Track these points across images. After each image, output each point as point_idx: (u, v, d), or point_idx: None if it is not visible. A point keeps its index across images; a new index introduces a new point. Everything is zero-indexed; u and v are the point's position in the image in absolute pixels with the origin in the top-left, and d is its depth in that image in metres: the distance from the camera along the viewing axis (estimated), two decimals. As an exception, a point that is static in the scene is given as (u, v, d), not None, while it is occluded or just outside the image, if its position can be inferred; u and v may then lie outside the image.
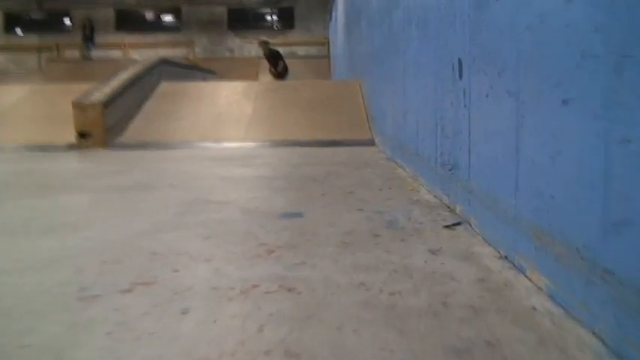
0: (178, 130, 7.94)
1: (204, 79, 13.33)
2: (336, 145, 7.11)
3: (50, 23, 26.88)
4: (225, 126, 8.09)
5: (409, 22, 4.74)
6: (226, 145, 7.29)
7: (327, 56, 23.57)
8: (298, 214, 3.06)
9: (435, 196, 3.52)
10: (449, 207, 3.20)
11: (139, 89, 8.74)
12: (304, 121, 8.19)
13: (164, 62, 10.05)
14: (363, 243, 2.46)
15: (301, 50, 26.70)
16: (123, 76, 8.57)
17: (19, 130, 7.87)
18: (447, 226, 2.78)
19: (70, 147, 7.11)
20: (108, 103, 7.45)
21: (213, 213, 3.12)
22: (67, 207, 3.40)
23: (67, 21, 26.82)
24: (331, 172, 4.72)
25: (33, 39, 26.56)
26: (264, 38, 15.62)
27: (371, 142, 7.18)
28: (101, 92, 7.69)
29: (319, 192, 3.76)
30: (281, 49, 28.10)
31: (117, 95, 7.82)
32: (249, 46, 27.56)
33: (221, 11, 27.32)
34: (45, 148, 7.02)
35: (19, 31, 26.87)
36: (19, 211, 3.31)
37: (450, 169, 3.28)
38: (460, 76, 3.06)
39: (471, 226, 2.72)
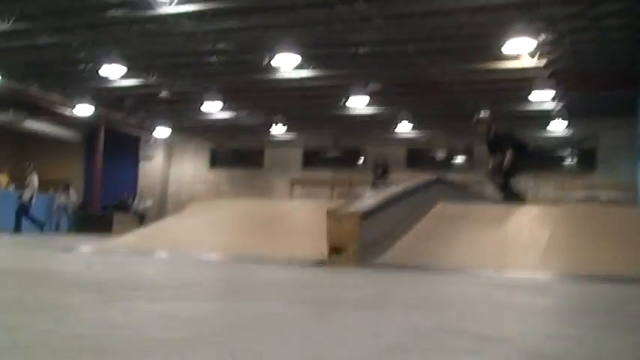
0: (451, 254, 6.35)
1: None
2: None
3: (344, 160, 27.68)
4: (512, 253, 6.30)
5: None
6: (512, 274, 5.48)
7: (634, 201, 20.45)
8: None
9: None
10: None
11: (409, 207, 7.40)
12: (619, 254, 6.07)
13: (441, 182, 8.68)
14: None
15: (603, 195, 23.82)
16: (390, 190, 7.36)
17: (269, 242, 6.98)
18: None
19: (318, 263, 5.89)
20: (367, 214, 6.17)
21: (462, 355, 1.44)
22: (194, 316, 1.98)
23: (360, 159, 27.43)
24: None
25: (327, 174, 27.45)
26: (484, 115, 10.20)
27: None
28: (362, 203, 6.49)
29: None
30: (581, 193, 25.40)
31: (380, 208, 6.53)
32: (545, 189, 25.41)
33: (515, 152, 25.76)
34: (290, 262, 5.89)
35: (315, 166, 28.08)
36: (110, 314, 1.96)
37: None
38: None
39: None
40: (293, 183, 27.65)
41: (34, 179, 15.23)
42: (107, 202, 25.57)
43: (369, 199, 6.92)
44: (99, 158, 24.92)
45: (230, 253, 6.55)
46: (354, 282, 3.96)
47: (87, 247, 7.13)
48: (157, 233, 8.16)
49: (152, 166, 28.84)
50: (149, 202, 26.40)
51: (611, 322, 2.33)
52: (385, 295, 3.05)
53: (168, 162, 29.35)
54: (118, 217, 22.49)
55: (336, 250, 6.02)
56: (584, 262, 5.76)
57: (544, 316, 2.42)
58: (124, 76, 18.36)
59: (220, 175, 29.04)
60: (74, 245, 7.38)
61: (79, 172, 29.57)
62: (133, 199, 26.25)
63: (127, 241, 7.79)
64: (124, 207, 25.19)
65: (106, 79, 18.85)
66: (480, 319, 2.18)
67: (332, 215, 6.14)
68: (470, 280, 4.64)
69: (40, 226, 15.15)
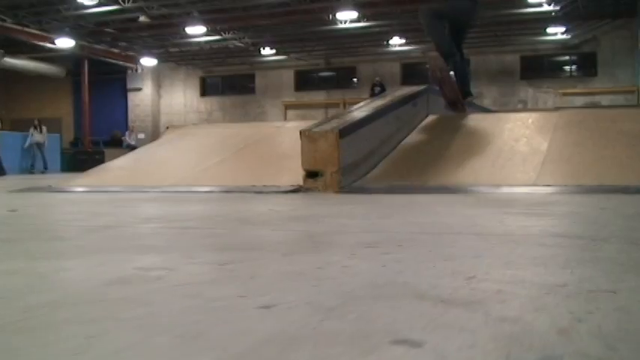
0: (440, 171, 5.74)
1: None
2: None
3: (338, 80, 26.87)
4: (508, 166, 5.68)
5: None
6: (507, 190, 4.88)
7: (637, 105, 19.70)
8: None
9: None
10: None
11: (395, 121, 6.73)
12: (628, 161, 5.45)
13: (431, 91, 7.95)
14: None
15: (605, 100, 23.08)
16: (371, 105, 6.67)
17: (244, 169, 6.38)
18: None
19: (291, 191, 5.28)
20: (346, 132, 5.50)
21: (386, 351, 0.81)
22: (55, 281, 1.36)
23: (353, 78, 26.57)
24: None
25: (321, 95, 26.71)
26: None
27: None
28: (339, 120, 5.83)
29: None
30: (581, 99, 24.55)
31: (361, 124, 5.87)
32: (544, 97, 24.55)
33: (513, 60, 24.72)
34: (261, 191, 5.28)
35: (308, 88, 27.32)
36: None
37: None
38: None
39: None
40: (286, 107, 26.93)
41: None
42: (99, 137, 24.98)
43: (349, 114, 6.25)
44: (85, 92, 24.14)
45: (199, 183, 5.95)
46: (316, 213, 3.34)
47: (45, 186, 6.54)
48: (122, 167, 7.55)
49: (142, 98, 28.03)
50: (141, 135, 25.79)
51: (637, 255, 1.71)
52: (340, 230, 2.43)
53: (157, 93, 28.52)
54: (109, 153, 21.88)
55: (312, 175, 5.40)
56: (588, 173, 5.15)
57: (539, 251, 1.78)
58: (101, 3, 17.47)
59: (212, 103, 28.28)
60: (35, 185, 6.78)
61: (68, 109, 28.86)
62: (124, 133, 25.64)
63: (90, 178, 7.18)
64: (117, 142, 24.63)
65: (82, 7, 17.98)
66: (447, 264, 1.55)
67: (306, 135, 5.48)
68: (455, 201, 4.02)
69: None
